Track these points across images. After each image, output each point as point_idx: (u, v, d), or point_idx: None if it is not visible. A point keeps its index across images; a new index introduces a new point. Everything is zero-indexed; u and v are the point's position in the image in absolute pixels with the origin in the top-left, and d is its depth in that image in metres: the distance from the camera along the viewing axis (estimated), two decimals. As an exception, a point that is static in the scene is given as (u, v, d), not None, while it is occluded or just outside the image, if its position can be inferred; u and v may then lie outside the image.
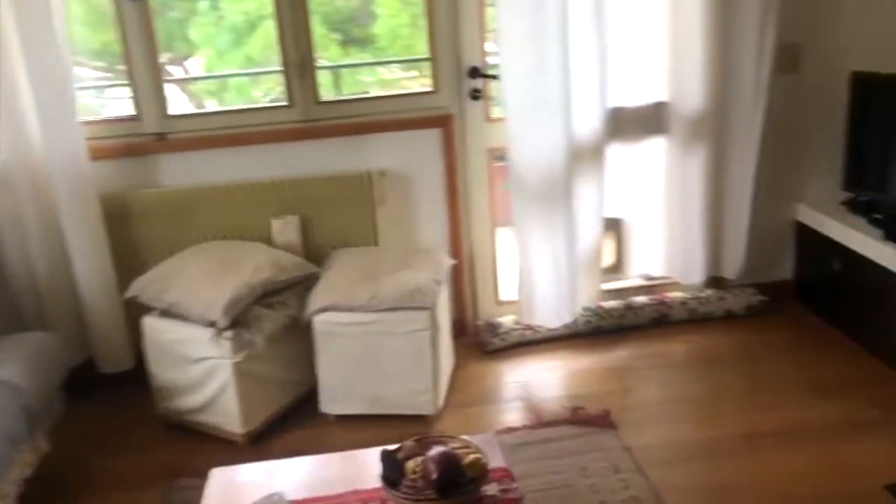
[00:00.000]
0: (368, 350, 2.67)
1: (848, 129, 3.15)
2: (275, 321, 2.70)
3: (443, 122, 3.11)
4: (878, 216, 3.04)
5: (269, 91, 3.34)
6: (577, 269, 3.11)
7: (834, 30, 3.15)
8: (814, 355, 3.04)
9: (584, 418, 2.69)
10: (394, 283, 2.67)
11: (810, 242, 3.35)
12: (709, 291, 3.38)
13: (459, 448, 1.78)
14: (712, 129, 3.09)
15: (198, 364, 2.63)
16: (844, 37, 3.15)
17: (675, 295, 3.38)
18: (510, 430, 2.65)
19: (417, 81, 3.33)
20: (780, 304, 3.40)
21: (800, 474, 2.37)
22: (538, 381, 3.01)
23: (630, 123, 3.12)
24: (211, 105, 3.42)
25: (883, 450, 2.45)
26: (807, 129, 3.27)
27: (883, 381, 2.83)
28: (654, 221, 3.27)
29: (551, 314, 3.11)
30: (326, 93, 3.15)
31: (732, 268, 3.31)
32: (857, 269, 3.05)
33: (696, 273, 3.28)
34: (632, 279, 3.42)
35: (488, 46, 3.07)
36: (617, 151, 3.13)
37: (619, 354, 3.15)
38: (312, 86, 3.05)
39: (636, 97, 3.11)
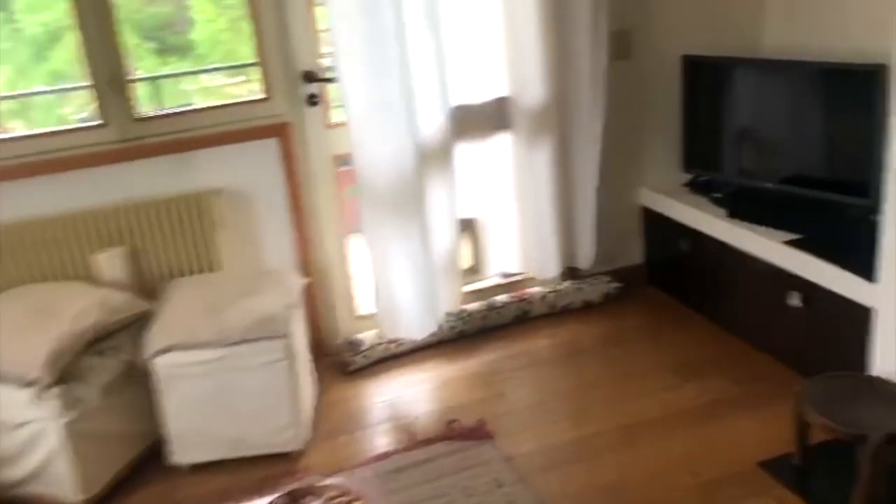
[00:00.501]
0: (220, 389, 2.42)
1: (682, 112, 3.22)
2: (109, 370, 2.39)
3: (279, 131, 2.89)
4: (718, 195, 3.13)
5: (80, 109, 2.98)
6: (436, 275, 2.99)
7: (663, 15, 3.20)
8: (672, 337, 3.09)
9: (459, 432, 2.57)
10: (242, 312, 2.44)
11: (657, 226, 3.41)
12: (566, 283, 3.36)
13: (336, 497, 1.60)
14: (555, 120, 3.06)
15: (18, 430, 2.27)
16: (673, 22, 3.21)
17: (535, 290, 3.33)
18: (384, 455, 2.48)
19: (245, 87, 3.09)
20: (635, 288, 3.45)
21: (680, 462, 2.36)
22: (407, 397, 2.86)
23: (475, 121, 3.03)
24: (16, 128, 3.01)
25: (750, 426, 2.50)
26: (644, 115, 3.32)
27: (738, 357, 2.90)
28: (508, 218, 3.21)
29: (415, 325, 2.97)
30: (145, 107, 2.84)
31: (585, 257, 3.31)
32: (703, 248, 3.12)
33: (551, 266, 3.25)
34: (491, 278, 3.34)
35: (322, 48, 2.88)
36: (465, 150, 3.04)
37: (487, 358, 3.06)
38: (128, 101, 2.73)
39: (478, 94, 3.02)
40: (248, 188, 2.91)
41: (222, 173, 2.86)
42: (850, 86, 2.73)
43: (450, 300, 3.13)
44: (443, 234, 2.99)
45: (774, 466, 2.30)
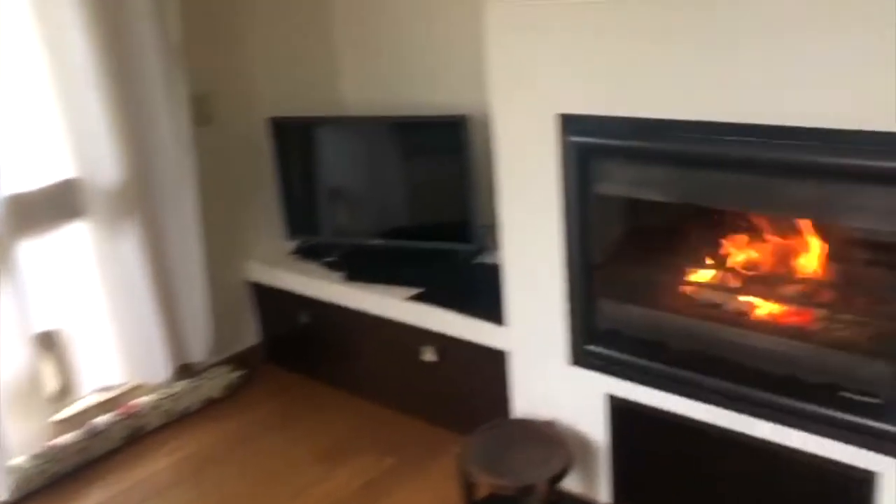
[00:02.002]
0: None
1: (277, 177, 3.02)
2: None
3: None
4: (331, 259, 2.98)
5: None
6: (7, 413, 2.33)
7: (245, 77, 2.98)
8: (311, 419, 2.83)
9: None
10: None
11: (271, 300, 3.14)
12: (181, 384, 2.90)
13: None
14: (138, 199, 2.63)
15: None
16: (257, 83, 3.01)
17: (145, 400, 2.81)
18: None
19: None
20: (259, 373, 3.13)
21: (354, 566, 2.11)
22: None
23: (38, 211, 2.46)
24: None
25: (415, 498, 2.35)
26: (240, 183, 3.05)
27: (385, 426, 2.75)
28: (99, 322, 2.65)
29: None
30: None
31: (200, 349, 2.91)
32: (325, 317, 2.94)
33: (160, 368, 2.78)
34: (88, 398, 2.73)
35: None
36: (31, 249, 2.43)
37: (96, 500, 2.47)
38: None
39: (37, 178, 2.46)
40: None
41: None
42: (436, 137, 2.79)
43: (32, 439, 2.47)
44: (12, 357, 2.35)
45: (450, 538, 2.17)
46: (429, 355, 2.62)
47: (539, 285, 2.18)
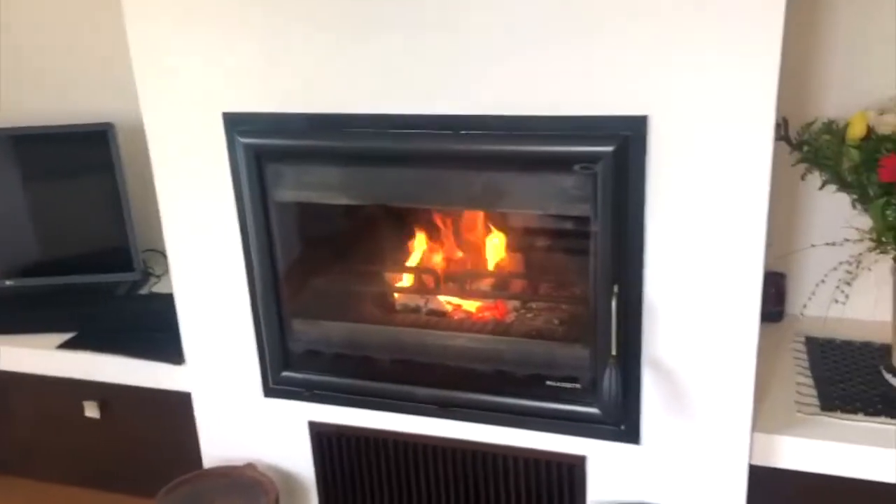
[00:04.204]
0: None
1: None
2: None
3: None
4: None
5: None
6: None
7: None
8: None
9: None
10: None
11: None
12: None
13: None
14: None
15: None
16: None
17: None
18: None
19: None
20: None
21: None
22: None
23: None
24: None
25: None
26: None
27: (46, 502, 2.26)
28: None
29: None
30: None
31: None
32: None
33: None
34: None
35: None
36: None
37: None
38: None
39: None
40: None
41: None
42: (73, 151, 2.38)
43: None
44: None
45: None
46: (93, 412, 2.19)
47: (220, 312, 1.90)
